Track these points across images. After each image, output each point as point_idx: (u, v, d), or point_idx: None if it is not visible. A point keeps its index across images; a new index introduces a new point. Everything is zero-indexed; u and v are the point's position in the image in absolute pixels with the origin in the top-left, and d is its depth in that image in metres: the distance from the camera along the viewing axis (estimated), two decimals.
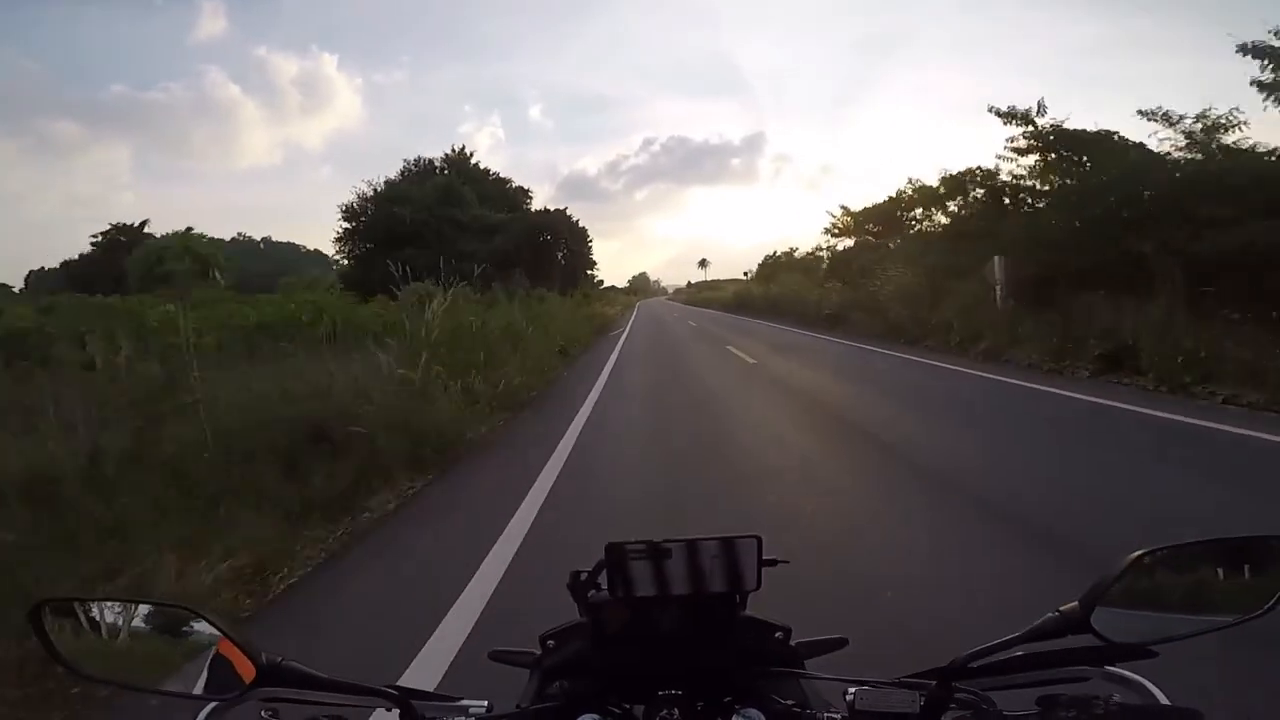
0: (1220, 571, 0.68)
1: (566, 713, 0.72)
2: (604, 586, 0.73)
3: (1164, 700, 0.65)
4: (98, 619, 0.63)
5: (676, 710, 0.71)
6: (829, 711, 0.72)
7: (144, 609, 0.65)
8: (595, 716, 0.70)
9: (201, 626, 0.63)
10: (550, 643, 0.79)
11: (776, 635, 0.78)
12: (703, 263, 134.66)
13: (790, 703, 0.74)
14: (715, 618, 0.75)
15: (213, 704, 0.67)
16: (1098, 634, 0.64)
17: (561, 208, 41.60)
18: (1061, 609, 0.66)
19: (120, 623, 0.63)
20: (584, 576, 0.80)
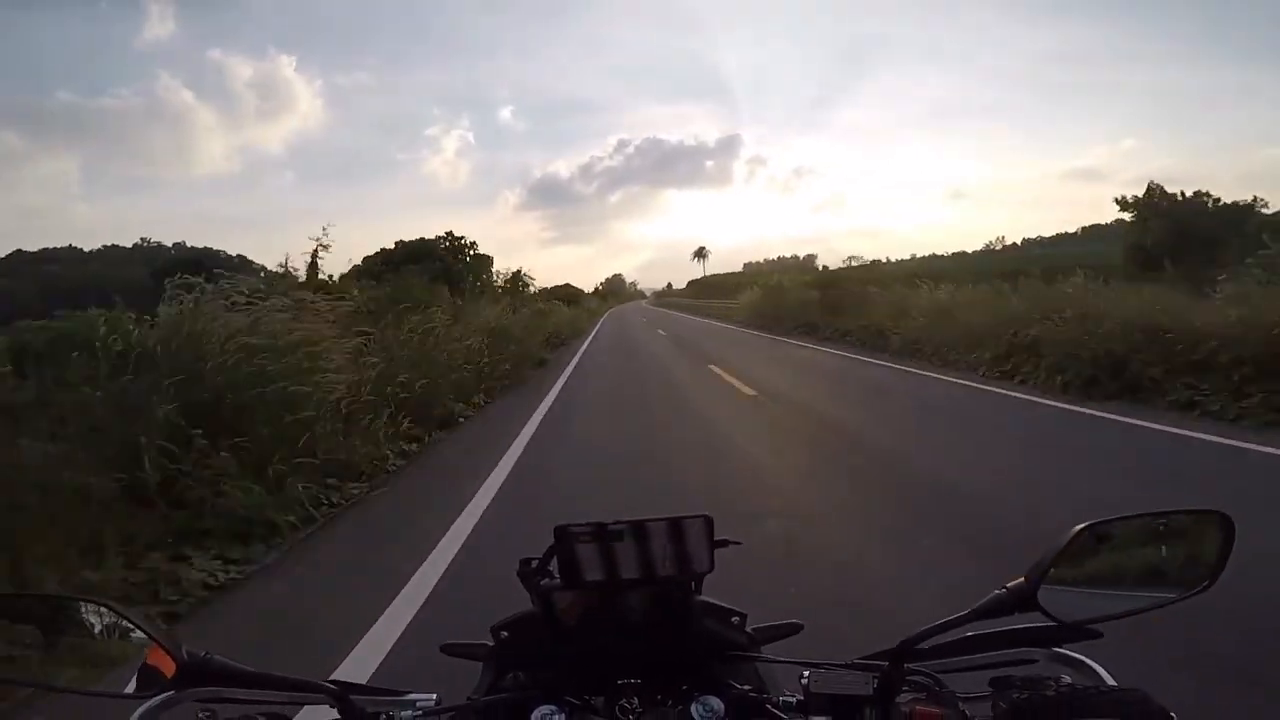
0: (1162, 546, 0.69)
1: (521, 705, 0.70)
2: (556, 574, 0.72)
3: (1110, 680, 0.66)
4: (6, 617, 0.60)
5: (636, 699, 0.69)
6: (785, 695, 0.71)
7: (57, 605, 0.62)
8: (552, 708, 0.68)
9: (120, 623, 0.60)
10: (503, 634, 0.77)
11: (733, 620, 0.77)
12: (700, 253, 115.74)
13: (747, 688, 0.73)
14: (670, 603, 0.74)
15: (143, 706, 0.64)
16: (1044, 611, 0.64)
17: None
18: (1008, 585, 0.66)
19: (31, 620, 0.60)
20: (534, 564, 0.78)
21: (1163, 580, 0.69)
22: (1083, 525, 0.66)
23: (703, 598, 0.76)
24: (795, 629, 0.84)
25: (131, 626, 0.60)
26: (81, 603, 0.62)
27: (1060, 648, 0.70)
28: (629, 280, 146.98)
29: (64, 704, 1.88)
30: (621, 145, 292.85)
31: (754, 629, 0.80)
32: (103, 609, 0.61)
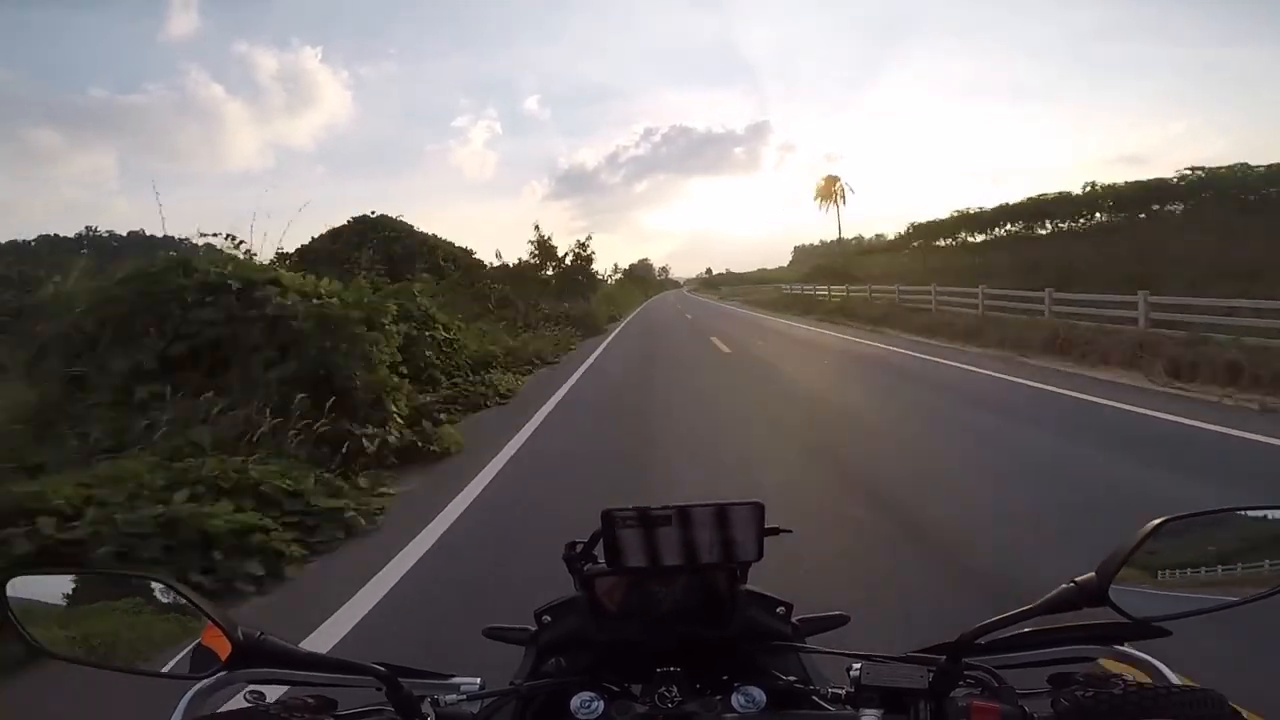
0: (1241, 542, 0.65)
1: (562, 691, 0.70)
2: (600, 559, 0.71)
3: (1174, 679, 0.62)
4: (68, 592, 0.62)
5: (675, 688, 0.68)
6: (833, 687, 0.69)
7: (115, 581, 0.63)
8: (592, 695, 0.68)
9: (177, 599, 0.61)
10: (546, 618, 0.77)
11: (778, 610, 0.76)
12: (832, 194, 53.12)
13: (793, 679, 0.72)
14: (715, 591, 0.73)
15: (196, 686, 0.66)
16: (1115, 607, 0.61)
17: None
18: (1077, 580, 0.63)
19: (91, 596, 0.61)
20: (579, 548, 0.78)
21: (1239, 577, 0.65)
22: (1158, 520, 0.62)
23: (748, 586, 0.75)
24: (842, 621, 0.82)
25: (189, 604, 0.61)
26: (142, 579, 0.63)
27: (1123, 645, 0.67)
28: (658, 266, 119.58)
29: (118, 682, 2.03)
30: (648, 133, 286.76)
31: (799, 619, 0.78)
32: (163, 586, 0.62)
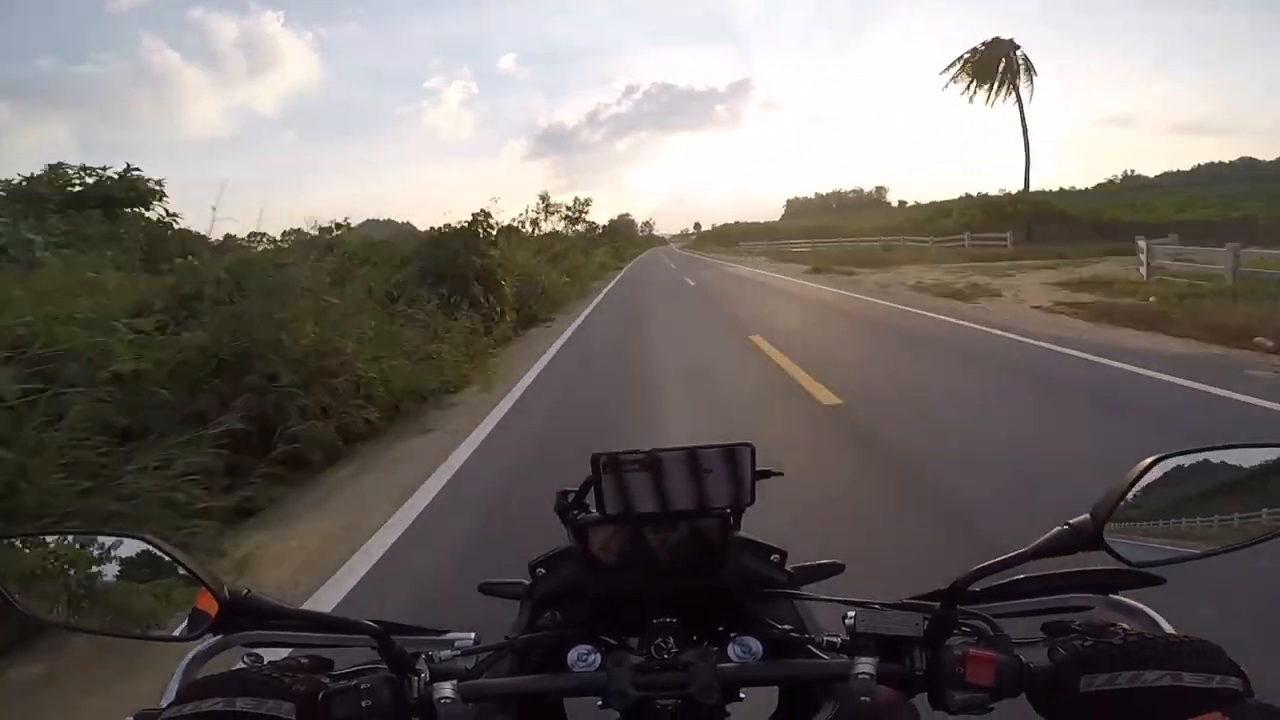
0: (1243, 482, 0.64)
1: (558, 644, 0.70)
2: (592, 508, 0.71)
3: (1168, 629, 0.62)
4: (51, 555, 0.60)
5: (671, 639, 0.68)
6: (828, 636, 0.70)
7: (98, 541, 0.62)
8: (588, 648, 0.68)
9: (162, 558, 0.60)
10: (540, 570, 0.77)
11: (772, 558, 0.76)
12: (997, 65, 27.93)
13: (787, 628, 0.72)
14: (708, 539, 0.73)
15: (192, 651, 0.66)
16: (1111, 551, 0.60)
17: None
18: (1071, 522, 0.62)
19: (74, 557, 0.60)
20: (571, 496, 0.77)
21: (1239, 520, 0.64)
22: (1153, 457, 0.61)
23: (741, 533, 0.74)
24: (836, 569, 0.82)
25: (174, 563, 0.60)
26: (126, 539, 0.62)
27: (1116, 594, 0.67)
28: (640, 221, 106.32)
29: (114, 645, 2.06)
30: (630, 90, 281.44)
31: (793, 568, 0.78)
32: (148, 546, 0.61)
